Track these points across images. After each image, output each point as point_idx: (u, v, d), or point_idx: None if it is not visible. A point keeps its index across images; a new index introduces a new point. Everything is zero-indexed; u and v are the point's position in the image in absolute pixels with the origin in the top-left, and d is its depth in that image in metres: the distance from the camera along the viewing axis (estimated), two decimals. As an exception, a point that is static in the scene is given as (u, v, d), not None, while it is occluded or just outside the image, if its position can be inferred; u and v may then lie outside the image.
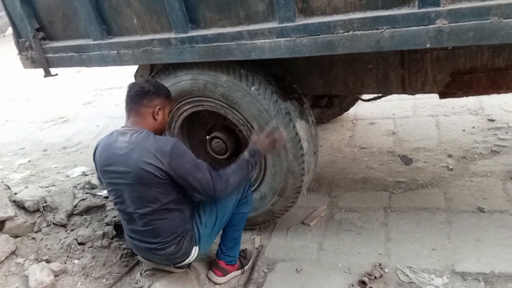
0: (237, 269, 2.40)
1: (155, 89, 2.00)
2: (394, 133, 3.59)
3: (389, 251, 2.35)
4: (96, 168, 2.07)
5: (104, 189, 3.06)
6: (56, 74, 2.62)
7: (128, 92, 2.01)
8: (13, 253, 2.49)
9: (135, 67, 2.75)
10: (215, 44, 1.93)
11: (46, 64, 2.54)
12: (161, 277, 2.26)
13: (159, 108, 1.99)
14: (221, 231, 2.27)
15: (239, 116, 2.27)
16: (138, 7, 2.06)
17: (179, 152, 1.89)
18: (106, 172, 1.98)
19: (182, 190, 1.97)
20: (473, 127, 3.42)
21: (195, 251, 2.09)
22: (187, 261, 2.11)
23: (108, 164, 1.95)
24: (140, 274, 2.33)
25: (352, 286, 2.14)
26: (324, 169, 3.26)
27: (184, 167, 1.88)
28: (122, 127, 2.00)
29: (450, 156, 3.11)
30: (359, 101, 3.54)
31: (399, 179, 2.97)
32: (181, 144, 1.95)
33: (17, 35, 2.61)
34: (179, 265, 2.16)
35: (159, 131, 2.05)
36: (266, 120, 2.18)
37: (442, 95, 2.22)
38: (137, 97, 1.97)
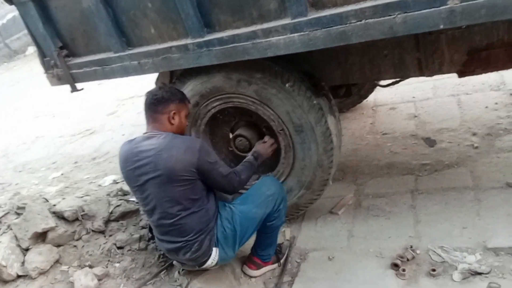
0: (272, 263, 2.45)
1: (168, 95, 2.11)
2: (415, 116, 3.58)
3: (419, 233, 2.37)
4: (123, 175, 2.18)
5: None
6: (82, 89, 2.71)
7: (145, 101, 2.13)
8: (57, 261, 2.62)
9: (156, 75, 2.83)
10: (231, 45, 1.98)
11: (71, 80, 2.63)
12: (199, 274, 2.34)
13: (174, 113, 2.11)
14: (255, 234, 2.31)
15: (271, 112, 2.32)
16: (154, 17, 2.13)
17: (206, 150, 2.09)
18: (133, 177, 2.07)
19: (207, 188, 2.11)
20: (496, 103, 3.38)
21: (215, 253, 2.13)
22: (209, 262, 2.14)
23: (136, 168, 2.04)
24: (178, 272, 2.42)
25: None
26: (348, 157, 3.29)
27: (210, 163, 2.06)
28: (144, 133, 2.11)
29: (474, 134, 3.08)
30: (378, 87, 3.54)
31: (424, 162, 2.96)
32: (205, 143, 2.14)
33: (42, 54, 2.69)
34: (203, 266, 2.19)
35: (179, 134, 2.14)
36: (299, 116, 2.25)
37: (461, 74, 2.22)
38: (152, 105, 2.11)
